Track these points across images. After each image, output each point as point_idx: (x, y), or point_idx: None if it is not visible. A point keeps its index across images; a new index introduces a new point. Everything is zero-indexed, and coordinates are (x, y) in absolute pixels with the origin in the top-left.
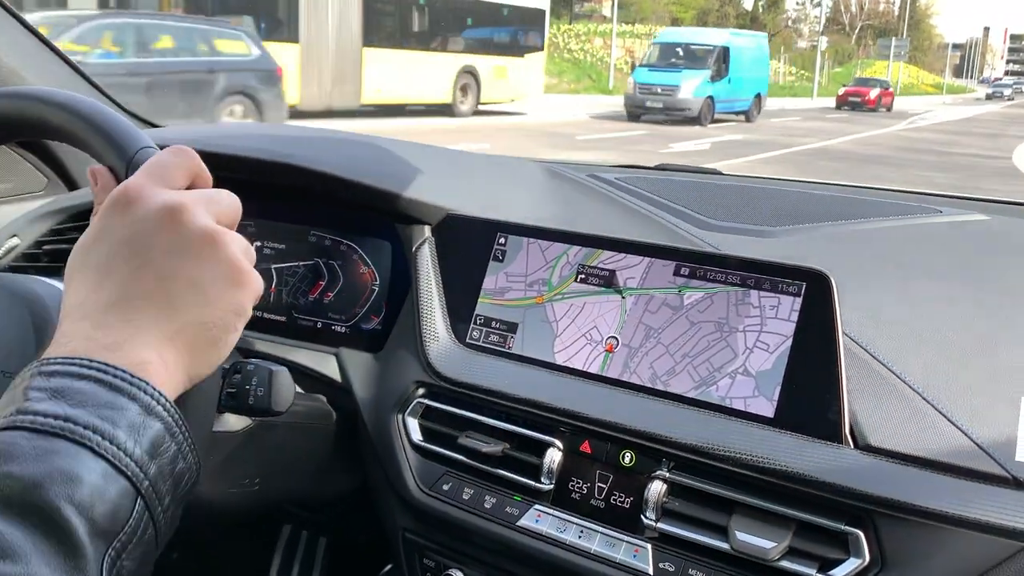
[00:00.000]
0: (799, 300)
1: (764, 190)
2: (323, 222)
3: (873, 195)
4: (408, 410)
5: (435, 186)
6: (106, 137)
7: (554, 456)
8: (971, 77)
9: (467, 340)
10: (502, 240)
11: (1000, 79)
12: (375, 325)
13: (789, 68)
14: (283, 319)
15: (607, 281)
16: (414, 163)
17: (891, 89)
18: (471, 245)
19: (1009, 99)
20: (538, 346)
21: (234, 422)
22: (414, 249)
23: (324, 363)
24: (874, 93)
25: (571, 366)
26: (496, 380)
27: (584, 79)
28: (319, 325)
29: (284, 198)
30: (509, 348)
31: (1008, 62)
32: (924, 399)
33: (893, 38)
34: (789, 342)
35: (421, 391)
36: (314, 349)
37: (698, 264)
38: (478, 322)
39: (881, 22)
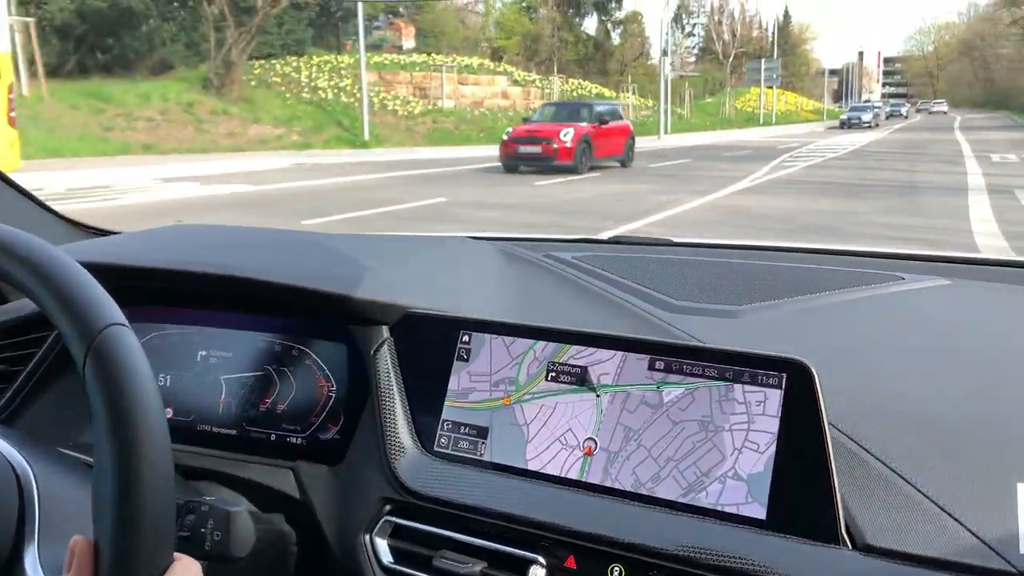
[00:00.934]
0: (780, 393)
1: (719, 263)
2: (273, 327)
3: (830, 261)
4: (376, 529)
5: (390, 282)
6: (67, 311)
7: (537, 574)
8: (850, 101)
9: (435, 449)
10: (465, 338)
11: (866, 102)
12: (333, 435)
13: (646, 101)
14: (234, 432)
15: (579, 378)
16: (364, 258)
17: (622, 122)
18: (433, 344)
19: (873, 126)
20: (510, 452)
21: None
22: (372, 352)
23: (280, 479)
24: (566, 138)
25: (548, 472)
26: (469, 493)
27: (331, 126)
28: (273, 437)
29: (230, 304)
30: (481, 455)
31: (884, 84)
32: (919, 490)
33: (763, 60)
34: (775, 439)
35: (388, 508)
36: (269, 464)
37: (674, 357)
38: (445, 428)
39: (755, 49)
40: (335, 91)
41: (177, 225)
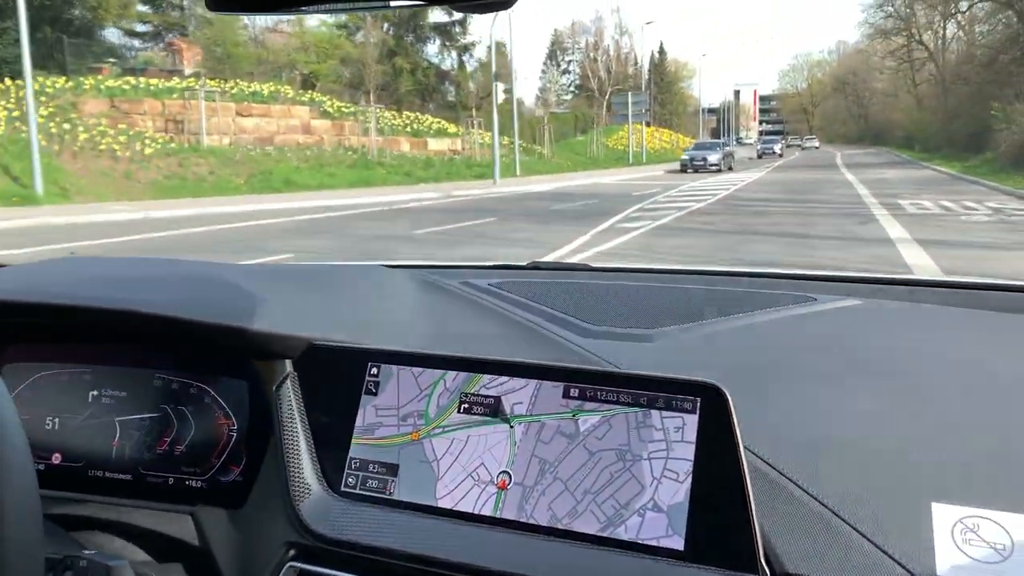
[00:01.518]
0: (695, 418)
1: (636, 287)
2: (169, 364)
3: (745, 283)
4: None
5: (294, 313)
6: None
7: None
8: (728, 137)
9: (342, 488)
10: (374, 370)
11: (715, 140)
12: (235, 477)
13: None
14: (128, 477)
15: (492, 409)
16: (267, 289)
17: None
18: (340, 378)
19: (724, 170)
20: (421, 490)
21: None
22: (275, 388)
23: (178, 525)
24: None
25: (461, 510)
26: (378, 535)
27: None
28: (170, 481)
29: (124, 339)
30: (391, 494)
31: (761, 122)
32: (836, 515)
33: (629, 93)
34: (692, 466)
35: (293, 553)
36: (166, 510)
37: (589, 384)
38: (353, 466)
39: (631, 86)
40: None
41: (70, 258)
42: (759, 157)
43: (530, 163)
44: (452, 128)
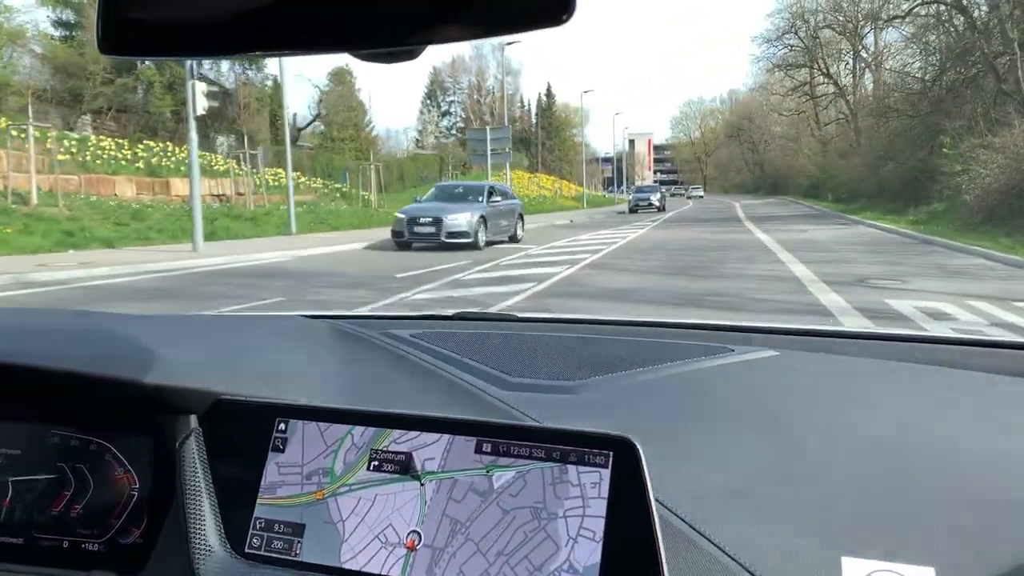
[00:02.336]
0: (607, 472)
1: (559, 337)
2: (67, 419)
3: (667, 334)
4: None
5: (200, 366)
6: None
7: None
8: (623, 187)
9: (246, 550)
10: (282, 426)
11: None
12: (135, 539)
13: (312, 180)
14: (20, 541)
15: (403, 466)
16: (173, 340)
17: None
18: (246, 434)
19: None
20: (326, 552)
21: None
22: (178, 444)
23: None
24: None
25: (367, 572)
26: None
27: None
28: (66, 544)
29: (17, 393)
30: (296, 555)
31: (656, 171)
32: (748, 571)
33: (487, 128)
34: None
35: None
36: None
37: (502, 439)
38: (258, 527)
39: (518, 130)
40: None
41: None
42: (632, 211)
43: (340, 215)
44: (234, 165)
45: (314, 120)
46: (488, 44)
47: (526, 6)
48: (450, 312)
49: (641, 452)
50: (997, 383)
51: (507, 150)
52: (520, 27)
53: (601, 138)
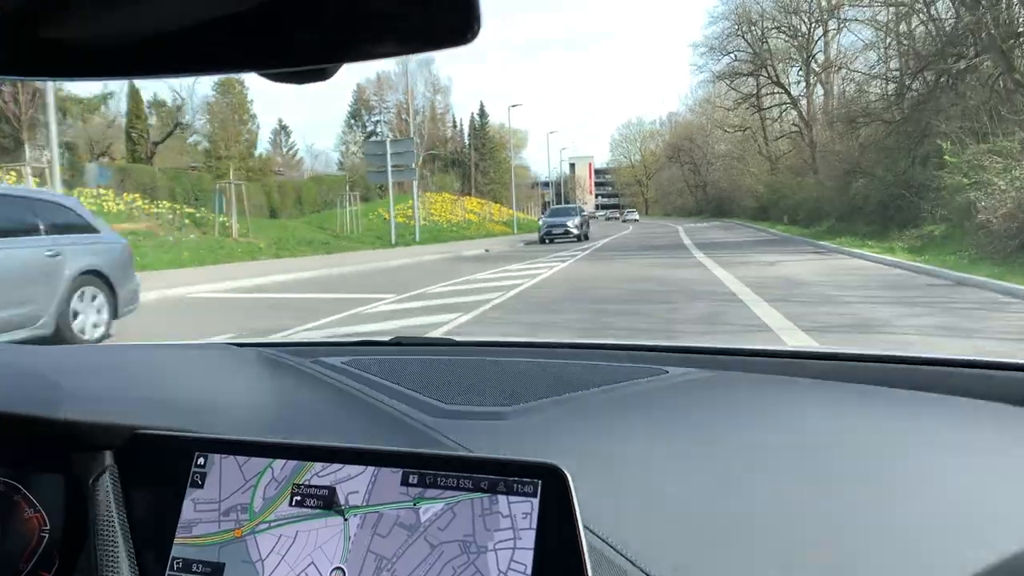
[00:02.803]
0: (536, 501)
1: (496, 362)
2: None
3: (602, 356)
4: None
5: (115, 399)
6: None
7: None
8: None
9: None
10: (201, 460)
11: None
12: None
13: (178, 206)
14: None
15: (326, 500)
16: (90, 372)
17: None
18: (164, 470)
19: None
20: None
21: None
22: (91, 482)
23: None
24: None
25: None
26: None
27: None
28: None
29: None
30: None
31: (597, 195)
32: None
33: (388, 141)
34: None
35: None
36: None
37: (429, 469)
38: (176, 567)
39: (451, 151)
40: None
41: None
42: (543, 242)
43: (178, 247)
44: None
45: (171, 133)
46: (414, 60)
47: (431, 26)
48: (387, 337)
49: (570, 479)
50: (942, 403)
51: (412, 166)
52: (425, 46)
53: (542, 162)
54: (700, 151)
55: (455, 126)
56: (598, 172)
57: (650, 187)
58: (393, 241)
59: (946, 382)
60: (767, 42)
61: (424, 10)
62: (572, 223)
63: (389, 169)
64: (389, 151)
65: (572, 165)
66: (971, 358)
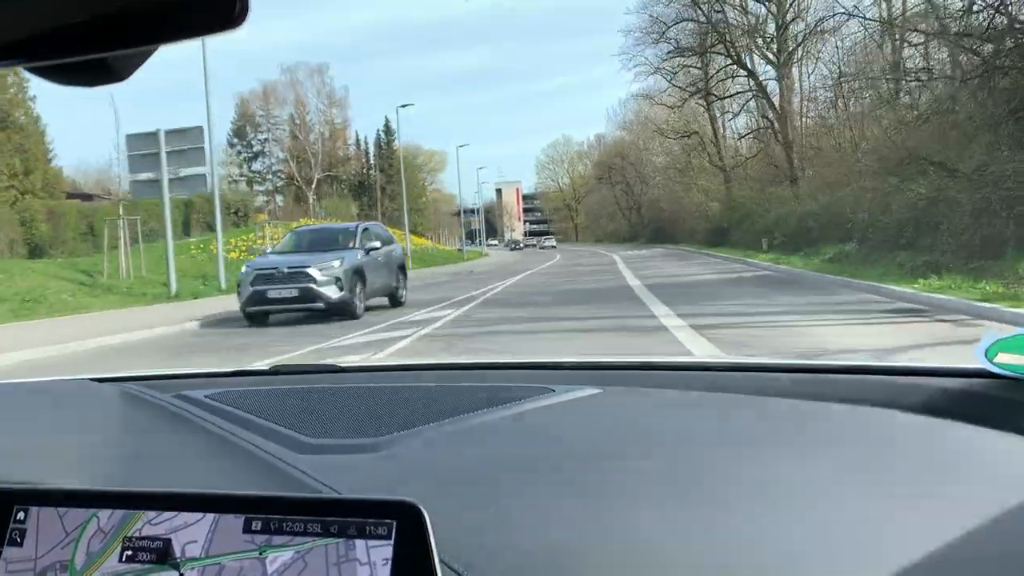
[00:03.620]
0: (391, 545)
1: (377, 389)
2: None
3: (487, 376)
4: None
5: None
6: None
7: None
8: (492, 240)
9: None
10: (21, 515)
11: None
12: None
13: None
14: None
15: (160, 553)
16: None
17: None
18: None
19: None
20: None
21: None
22: None
23: None
24: None
25: None
26: None
27: None
28: None
29: None
30: None
31: (526, 222)
32: None
33: (161, 131)
34: None
35: None
36: None
37: (274, 514)
38: None
39: (351, 174)
40: None
41: None
42: (249, 317)
43: None
44: None
45: None
46: (304, 68)
47: (197, 10)
48: (266, 365)
49: (427, 517)
50: (797, 408)
51: (204, 173)
52: (194, 32)
53: (468, 186)
54: (633, 169)
55: (359, 145)
56: (526, 198)
57: (580, 211)
58: (173, 291)
59: (838, 391)
60: (723, 9)
61: None
62: (321, 271)
63: (165, 178)
64: (164, 148)
65: (499, 190)
66: (861, 364)
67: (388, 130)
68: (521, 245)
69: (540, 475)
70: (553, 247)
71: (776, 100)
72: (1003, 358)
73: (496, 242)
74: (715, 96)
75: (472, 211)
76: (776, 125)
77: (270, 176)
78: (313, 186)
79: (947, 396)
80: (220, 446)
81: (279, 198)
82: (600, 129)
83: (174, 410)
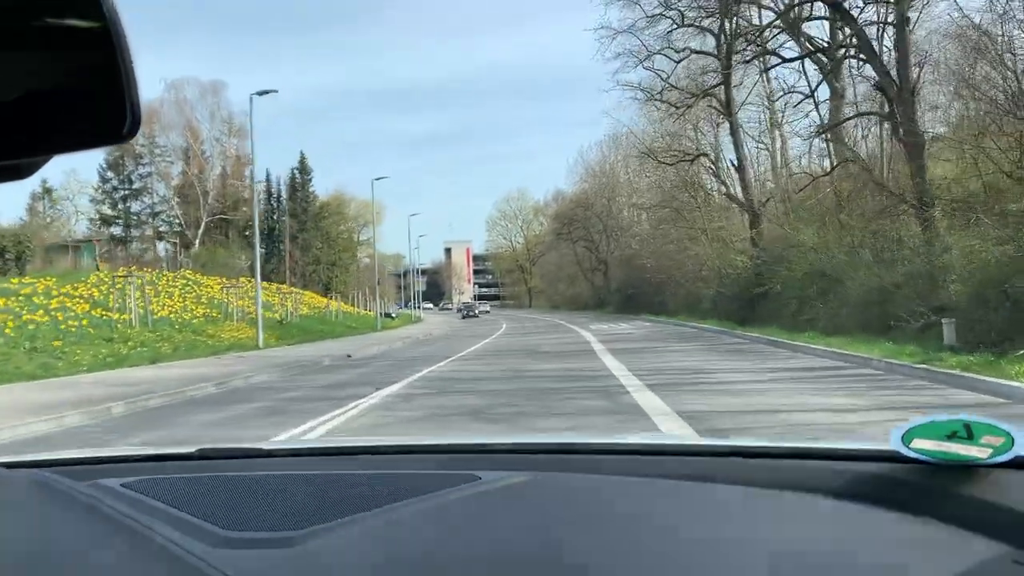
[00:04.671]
0: None
1: (300, 476)
2: None
3: (412, 462)
4: None
5: None
6: None
7: None
8: (427, 303)
9: None
10: None
11: None
12: None
13: None
14: None
15: None
16: None
17: None
18: None
19: None
20: None
21: None
22: None
23: None
24: None
25: None
26: None
27: None
28: None
29: None
30: None
31: (475, 284)
32: None
33: None
34: None
35: None
36: None
37: None
38: None
39: (246, 217)
40: None
41: None
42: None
43: None
44: None
45: None
46: (194, 84)
47: (87, 127)
48: (192, 449)
49: None
50: (719, 494)
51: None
52: (85, 146)
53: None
54: (599, 221)
55: (270, 186)
56: (477, 258)
57: (534, 274)
58: None
59: (756, 476)
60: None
61: (79, 110)
62: (477, 308)
63: None
64: None
65: (448, 250)
66: (783, 446)
67: (303, 168)
68: (476, 311)
69: (466, 570)
70: (487, 312)
71: (887, 65)
72: (918, 443)
73: (431, 305)
74: (729, 94)
75: (422, 272)
76: (895, 107)
77: (149, 219)
78: (201, 230)
79: (864, 481)
80: (130, 541)
81: (161, 245)
82: (560, 185)
83: (86, 500)
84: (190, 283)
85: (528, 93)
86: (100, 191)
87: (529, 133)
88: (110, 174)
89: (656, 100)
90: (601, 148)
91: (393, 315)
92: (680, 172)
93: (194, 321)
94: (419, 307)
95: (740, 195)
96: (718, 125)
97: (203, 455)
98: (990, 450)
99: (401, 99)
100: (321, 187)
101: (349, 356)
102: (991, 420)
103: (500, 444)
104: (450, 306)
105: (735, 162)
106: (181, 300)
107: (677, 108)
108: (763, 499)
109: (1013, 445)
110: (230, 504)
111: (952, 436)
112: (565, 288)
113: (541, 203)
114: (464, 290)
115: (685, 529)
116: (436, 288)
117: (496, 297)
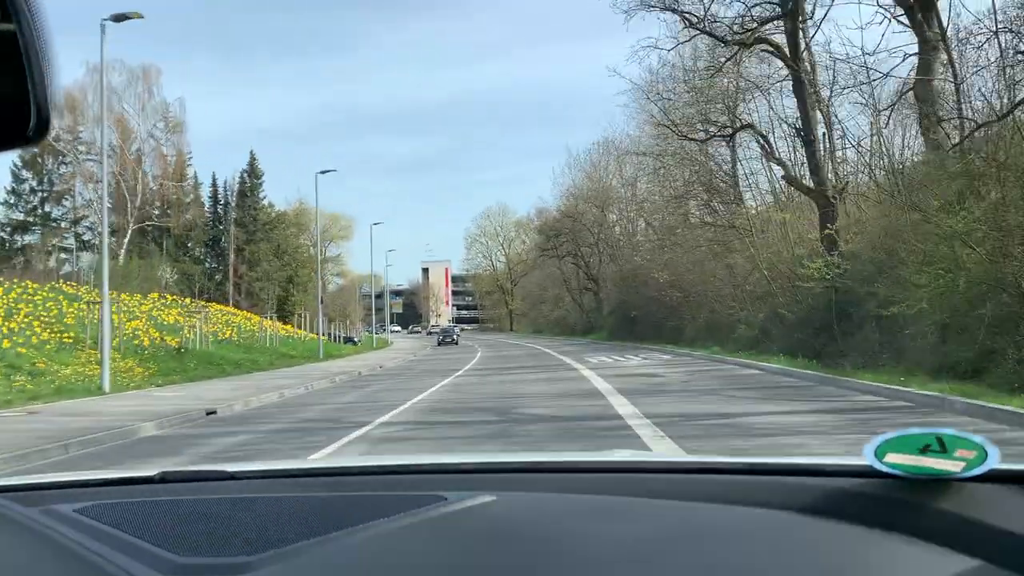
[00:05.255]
0: None
1: (261, 499)
2: None
3: (377, 483)
4: None
5: None
6: None
7: None
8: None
9: None
10: None
11: None
12: None
13: None
14: None
15: None
16: None
17: None
18: None
19: None
20: None
21: None
22: None
23: None
24: None
25: None
26: None
27: None
28: None
29: None
30: None
31: (454, 306)
32: None
33: None
34: None
35: None
36: None
37: None
38: None
39: (196, 222)
40: None
41: None
42: None
43: None
44: None
45: None
46: (121, 68)
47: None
48: (154, 472)
49: None
50: (692, 512)
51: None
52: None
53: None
54: (590, 234)
55: (216, 190)
56: (455, 279)
57: (516, 296)
58: None
59: (731, 492)
60: None
61: None
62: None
63: None
64: None
65: (425, 269)
66: (751, 461)
67: (253, 171)
68: (454, 336)
69: None
70: (454, 341)
71: None
72: (891, 457)
73: (400, 328)
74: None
75: (397, 294)
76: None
77: (68, 224)
78: (127, 239)
79: (837, 496)
80: (79, 570)
81: (85, 255)
82: (546, 197)
83: (37, 527)
84: (51, 299)
85: (513, 121)
86: (12, 194)
87: (516, 162)
88: (25, 174)
89: (698, 29)
90: (591, 155)
91: (356, 340)
92: (704, 158)
93: (23, 351)
94: (386, 330)
95: (808, 180)
96: (769, 91)
97: (164, 478)
98: (963, 463)
99: (379, 124)
100: (281, 198)
101: (211, 414)
102: (964, 433)
103: (466, 464)
104: (418, 330)
105: (801, 130)
106: (27, 320)
107: (726, 44)
108: (736, 516)
109: (986, 458)
110: (187, 529)
111: (925, 449)
112: (549, 310)
113: (524, 218)
114: (442, 312)
115: (658, 549)
116: (413, 310)
117: (475, 320)
